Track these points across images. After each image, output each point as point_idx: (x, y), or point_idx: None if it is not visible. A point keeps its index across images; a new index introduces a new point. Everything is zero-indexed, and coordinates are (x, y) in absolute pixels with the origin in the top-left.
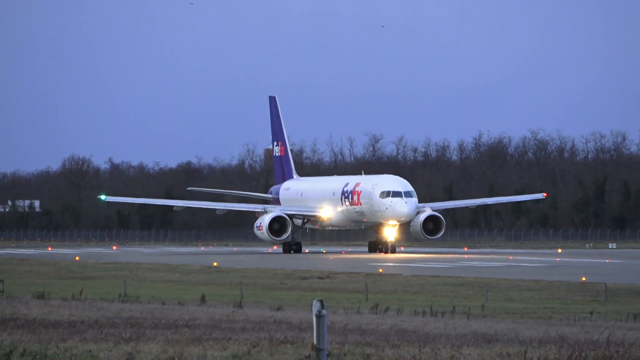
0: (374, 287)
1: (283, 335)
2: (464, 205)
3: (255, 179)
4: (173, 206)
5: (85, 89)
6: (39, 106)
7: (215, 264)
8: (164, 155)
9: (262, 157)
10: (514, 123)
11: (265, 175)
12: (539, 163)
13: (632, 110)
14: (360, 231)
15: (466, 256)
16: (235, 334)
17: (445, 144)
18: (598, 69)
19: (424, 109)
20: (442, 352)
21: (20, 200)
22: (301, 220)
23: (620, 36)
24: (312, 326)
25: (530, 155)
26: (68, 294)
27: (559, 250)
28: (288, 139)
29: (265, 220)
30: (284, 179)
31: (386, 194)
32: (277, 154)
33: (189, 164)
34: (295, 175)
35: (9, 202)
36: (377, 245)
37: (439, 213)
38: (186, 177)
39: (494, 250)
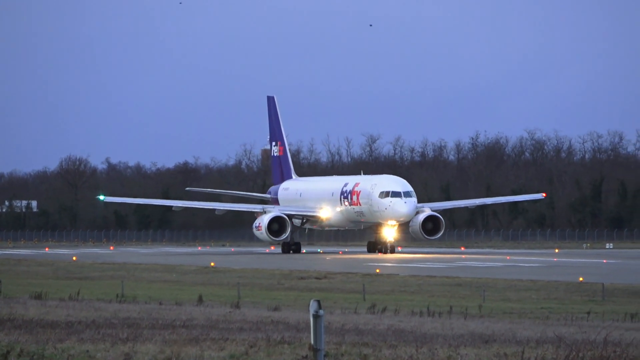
0: (371, 288)
1: (280, 335)
2: (463, 205)
3: (252, 179)
4: (172, 206)
5: (82, 89)
6: (36, 106)
7: (212, 264)
8: (161, 155)
9: (259, 157)
10: (511, 123)
11: (262, 175)
12: (536, 163)
13: (629, 110)
14: (359, 231)
15: (463, 256)
16: (233, 334)
17: (442, 144)
18: (595, 69)
19: (421, 109)
20: (439, 352)
21: (18, 201)
22: (300, 221)
23: (618, 36)
24: (310, 326)
25: (528, 155)
26: (65, 295)
27: (556, 250)
28: (286, 139)
29: (264, 220)
30: (282, 179)
31: (385, 194)
32: (275, 154)
33: (186, 164)
34: (294, 175)
35: (6, 203)
36: (376, 246)
37: (438, 213)
38: (183, 178)
39: (491, 250)
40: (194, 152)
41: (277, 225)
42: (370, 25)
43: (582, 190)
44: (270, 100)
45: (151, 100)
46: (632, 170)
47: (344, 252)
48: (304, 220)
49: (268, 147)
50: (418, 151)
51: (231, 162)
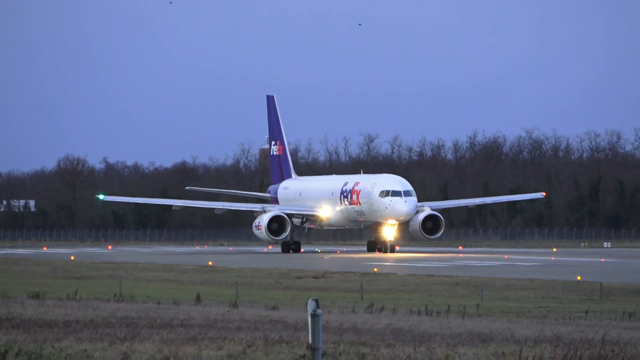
0: (369, 287)
1: (278, 334)
2: (463, 205)
3: (250, 179)
4: (172, 206)
5: (80, 89)
6: (34, 106)
7: (210, 263)
8: (159, 155)
9: (257, 156)
10: (509, 122)
11: (260, 174)
12: (534, 162)
13: (627, 109)
14: (359, 230)
15: (461, 255)
16: (231, 333)
17: (440, 143)
18: (593, 69)
19: (419, 108)
20: (437, 351)
21: (15, 200)
22: (300, 220)
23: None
24: (307, 325)
25: (525, 154)
26: (63, 294)
27: (554, 250)
28: (286, 138)
29: (264, 219)
30: (282, 179)
31: (385, 194)
32: (274, 153)
33: (184, 163)
34: (293, 175)
35: (4, 202)
36: (376, 245)
37: (438, 212)
38: (181, 177)
39: (489, 249)
40: (192, 152)
41: (276, 224)
42: (360, 25)
43: (580, 190)
44: (270, 100)
45: (149, 100)
46: (630, 169)
47: (343, 252)
48: (304, 220)
49: (266, 146)
50: (416, 150)
51: (229, 162)
